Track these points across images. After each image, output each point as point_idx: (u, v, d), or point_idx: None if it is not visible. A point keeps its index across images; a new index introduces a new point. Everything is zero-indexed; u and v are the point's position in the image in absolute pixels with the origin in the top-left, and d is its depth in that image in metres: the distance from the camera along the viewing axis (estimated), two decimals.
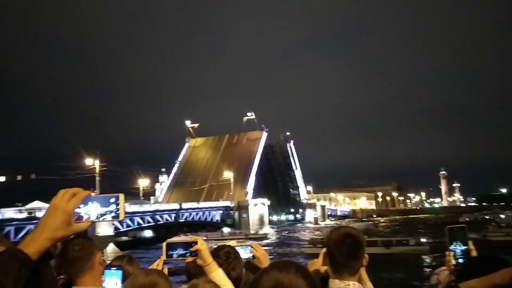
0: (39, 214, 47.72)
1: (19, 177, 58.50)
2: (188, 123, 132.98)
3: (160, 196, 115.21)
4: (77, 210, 1.47)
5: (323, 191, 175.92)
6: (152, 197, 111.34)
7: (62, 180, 61.90)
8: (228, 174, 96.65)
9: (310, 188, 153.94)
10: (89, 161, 60.18)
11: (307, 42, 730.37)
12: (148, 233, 70.92)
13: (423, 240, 44.49)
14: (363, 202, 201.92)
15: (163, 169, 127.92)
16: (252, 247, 3.05)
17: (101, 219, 1.51)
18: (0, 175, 55.81)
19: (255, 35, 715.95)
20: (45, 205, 58.39)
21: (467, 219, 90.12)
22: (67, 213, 1.43)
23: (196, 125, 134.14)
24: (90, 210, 1.49)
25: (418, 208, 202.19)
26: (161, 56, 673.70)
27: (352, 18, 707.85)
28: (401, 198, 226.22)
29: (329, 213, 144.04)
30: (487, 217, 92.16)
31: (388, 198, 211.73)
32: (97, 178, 57.44)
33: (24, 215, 47.32)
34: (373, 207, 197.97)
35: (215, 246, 2.79)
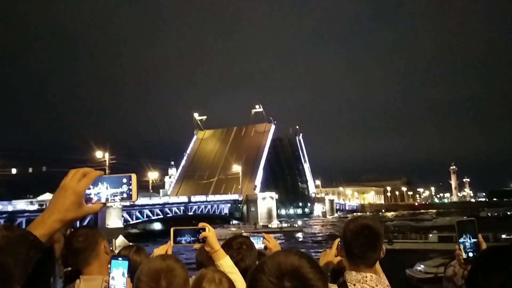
0: None
1: (30, 170, 59.35)
2: (196, 115, 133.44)
3: (169, 189, 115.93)
4: (88, 191, 1.40)
5: (331, 185, 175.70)
6: (161, 190, 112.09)
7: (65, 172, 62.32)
8: (237, 168, 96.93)
9: (318, 182, 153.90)
10: (99, 154, 60.79)
11: (318, 34, 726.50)
12: (157, 226, 71.60)
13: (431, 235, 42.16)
14: (372, 197, 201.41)
15: (172, 162, 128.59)
16: (264, 237, 3.02)
17: (113, 200, 1.44)
18: (12, 168, 56.68)
19: (265, 26, 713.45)
20: None
21: (489, 214, 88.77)
22: (77, 193, 1.35)
23: (204, 117, 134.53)
24: (102, 191, 1.42)
25: (427, 203, 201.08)
26: (170, 48, 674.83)
27: (367, 8, 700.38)
28: (410, 193, 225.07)
29: (337, 207, 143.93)
30: (509, 212, 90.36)
31: (397, 192, 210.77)
32: (107, 171, 57.87)
33: (35, 206, 47.96)
34: (382, 201, 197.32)
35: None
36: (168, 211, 68.20)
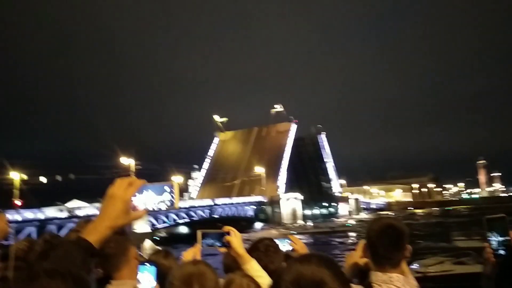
0: (78, 213, 49.56)
1: (59, 178, 61.06)
2: (216, 117, 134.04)
3: (194, 193, 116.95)
4: (133, 198, 1.49)
5: (356, 184, 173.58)
6: (185, 194, 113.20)
7: (99, 179, 63.94)
8: (259, 169, 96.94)
9: (343, 181, 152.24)
10: (124, 160, 61.79)
11: (339, 30, 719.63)
12: (183, 230, 72.25)
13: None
14: (399, 195, 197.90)
15: (196, 166, 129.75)
16: (290, 239, 3.03)
17: (156, 207, 1.57)
18: (41, 176, 58.44)
19: (285, 24, 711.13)
20: (84, 203, 60.47)
21: None
22: (125, 201, 1.46)
23: (224, 119, 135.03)
24: (146, 199, 1.54)
25: (456, 199, 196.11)
26: (190, 50, 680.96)
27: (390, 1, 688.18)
28: (438, 189, 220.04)
29: (363, 206, 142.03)
30: None
31: (424, 189, 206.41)
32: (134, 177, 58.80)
33: (65, 213, 49.16)
34: (409, 199, 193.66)
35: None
36: (194, 215, 68.77)
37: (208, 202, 76.15)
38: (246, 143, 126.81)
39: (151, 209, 1.56)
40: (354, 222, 75.20)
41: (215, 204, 75.28)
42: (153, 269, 2.43)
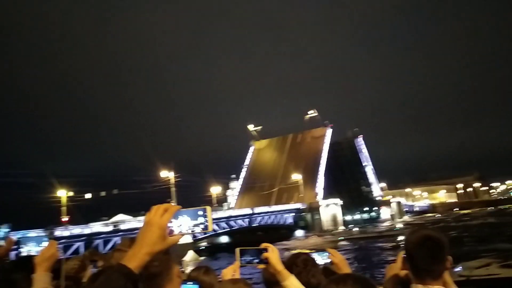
0: (123, 227, 50.99)
1: (103, 193, 63.24)
2: (251, 126, 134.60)
3: (232, 202, 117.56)
4: (169, 224, 1.58)
5: (397, 186, 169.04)
6: (224, 204, 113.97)
7: (141, 193, 65.75)
8: (297, 176, 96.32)
9: (383, 184, 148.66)
10: (164, 173, 63.18)
11: (371, 32, 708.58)
12: (224, 239, 72.81)
13: None
14: (443, 195, 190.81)
15: (233, 176, 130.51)
16: (329, 253, 3.03)
17: (191, 231, 1.64)
18: (87, 193, 60.73)
19: (317, 30, 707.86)
20: (128, 217, 62.23)
21: None
22: (162, 228, 1.54)
23: (259, 127, 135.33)
24: (181, 224, 1.62)
25: (505, 197, 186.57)
26: (223, 62, 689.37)
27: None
28: (484, 188, 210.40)
29: (405, 209, 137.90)
30: None
31: (469, 189, 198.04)
32: (173, 189, 60.17)
33: (110, 228, 50.71)
34: (454, 199, 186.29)
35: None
36: (233, 224, 69.13)
37: (247, 211, 76.35)
38: (281, 150, 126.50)
39: (186, 232, 1.64)
40: (401, 226, 73.01)
41: (254, 213, 75.35)
42: (195, 287, 2.49)
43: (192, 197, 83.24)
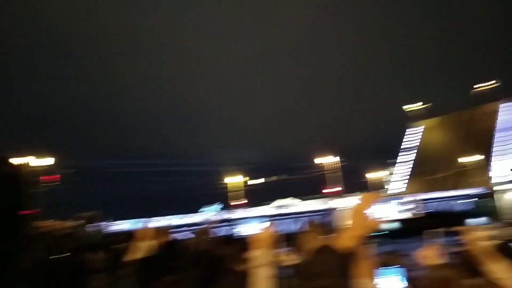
0: (293, 209, 53.67)
1: (274, 178, 67.74)
2: (410, 106, 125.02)
3: (393, 188, 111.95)
4: (372, 210, 1.79)
5: None
6: (382, 190, 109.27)
7: (304, 178, 68.04)
8: (474, 158, 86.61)
9: None
10: (327, 159, 63.76)
11: None
12: (394, 225, 70.15)
13: None
14: None
15: (392, 160, 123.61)
16: None
17: (391, 216, 1.80)
18: (259, 178, 65.72)
19: None
20: (296, 200, 64.76)
21: None
22: (367, 214, 1.78)
23: (421, 105, 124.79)
24: (384, 210, 1.78)
25: None
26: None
27: None
28: None
29: None
30: None
31: None
32: (339, 174, 60.43)
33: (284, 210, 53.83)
34: None
35: None
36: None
37: (416, 197, 72.00)
38: (453, 129, 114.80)
39: (386, 218, 1.75)
40: None
41: (425, 199, 70.53)
42: (398, 271, 2.51)
43: (348, 182, 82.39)
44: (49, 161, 40.67)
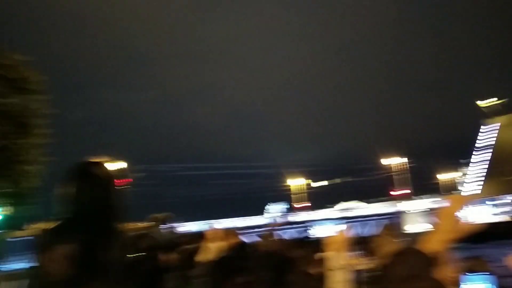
0: (356, 212, 52.32)
1: (337, 180, 66.41)
2: (482, 102, 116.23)
3: (467, 189, 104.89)
4: (463, 213, 1.71)
5: None
6: (454, 192, 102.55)
7: (370, 180, 65.91)
8: None
9: None
10: (394, 160, 61.35)
11: None
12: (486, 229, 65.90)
13: None
14: None
15: (465, 159, 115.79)
16: None
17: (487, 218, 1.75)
18: (322, 180, 64.74)
19: None
20: (361, 204, 63.04)
21: None
22: (457, 217, 1.71)
23: (501, 101, 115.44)
24: (475, 213, 1.74)
25: None
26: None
27: None
28: None
29: None
30: None
31: None
32: (407, 176, 57.96)
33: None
34: None
35: None
36: None
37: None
38: None
39: (486, 220, 1.71)
40: None
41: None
42: (488, 278, 2.29)
43: (417, 184, 78.56)
44: (122, 165, 42.86)
